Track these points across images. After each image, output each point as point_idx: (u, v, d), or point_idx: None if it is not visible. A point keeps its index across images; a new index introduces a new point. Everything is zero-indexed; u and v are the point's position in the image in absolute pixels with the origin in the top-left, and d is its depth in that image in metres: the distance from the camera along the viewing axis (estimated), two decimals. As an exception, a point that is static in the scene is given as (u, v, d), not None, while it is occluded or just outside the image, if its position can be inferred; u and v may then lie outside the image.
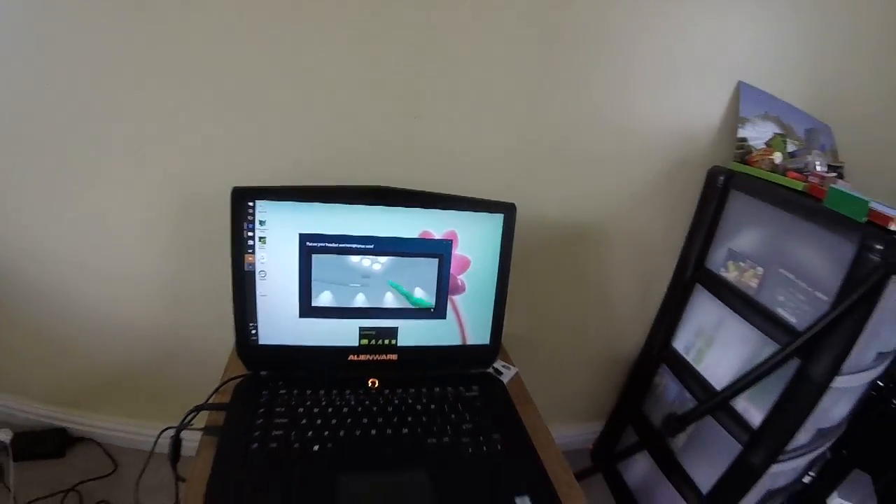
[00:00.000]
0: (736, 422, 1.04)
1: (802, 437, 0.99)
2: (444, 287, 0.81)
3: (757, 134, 1.21)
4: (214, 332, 1.07)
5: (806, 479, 1.33)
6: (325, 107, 0.94)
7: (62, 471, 1.25)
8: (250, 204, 0.72)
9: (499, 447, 0.71)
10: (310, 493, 0.60)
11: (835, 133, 1.32)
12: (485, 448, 0.71)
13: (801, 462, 1.06)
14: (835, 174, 1.15)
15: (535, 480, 0.67)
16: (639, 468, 1.34)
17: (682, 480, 1.18)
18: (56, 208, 1.00)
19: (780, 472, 1.04)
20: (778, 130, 1.25)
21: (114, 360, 1.23)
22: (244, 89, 0.91)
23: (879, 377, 1.07)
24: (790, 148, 1.22)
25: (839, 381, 0.88)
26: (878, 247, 0.77)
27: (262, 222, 0.73)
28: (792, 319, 0.95)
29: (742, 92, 1.17)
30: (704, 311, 1.18)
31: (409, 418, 0.73)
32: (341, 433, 0.69)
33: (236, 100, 0.92)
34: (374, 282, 0.78)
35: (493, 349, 0.87)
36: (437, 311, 0.82)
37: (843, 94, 1.28)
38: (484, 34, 0.94)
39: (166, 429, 0.74)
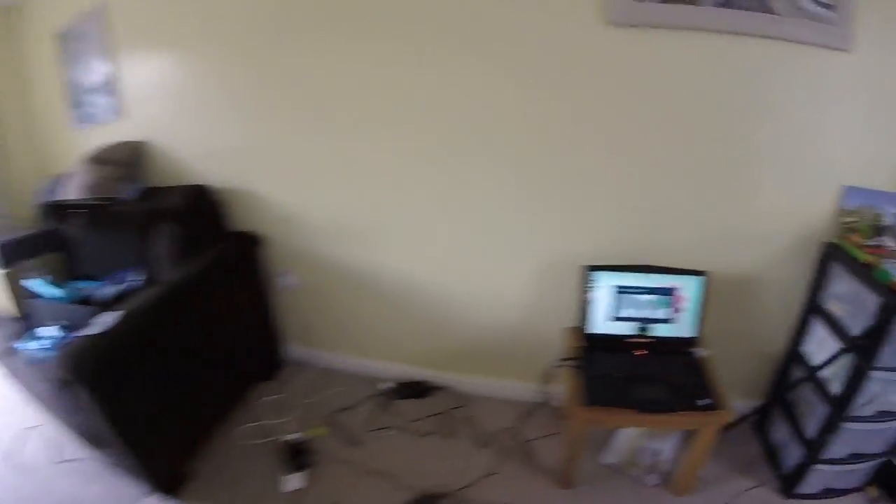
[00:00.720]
0: (824, 392, 1.73)
1: (863, 410, 1.62)
2: (674, 308, 1.77)
3: (857, 218, 1.84)
4: (546, 327, 1.98)
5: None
6: (620, 214, 1.79)
7: (428, 405, 2.05)
8: (591, 273, 1.73)
9: (696, 380, 1.65)
10: (622, 391, 1.57)
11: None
12: (691, 380, 1.64)
13: (876, 428, 1.68)
14: (905, 247, 1.82)
15: (711, 394, 1.59)
16: (778, 430, 2.12)
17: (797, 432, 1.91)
18: (464, 263, 1.94)
19: (863, 435, 1.66)
20: (876, 212, 1.85)
21: (470, 338, 2.01)
22: (578, 198, 1.78)
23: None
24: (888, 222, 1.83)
25: (876, 375, 1.51)
26: (889, 302, 1.42)
27: (595, 280, 1.74)
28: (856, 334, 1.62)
29: (846, 191, 1.81)
30: (817, 329, 1.97)
31: (658, 367, 1.69)
32: (630, 370, 1.67)
33: (574, 204, 1.77)
34: (644, 306, 1.76)
35: (696, 339, 1.80)
36: (671, 320, 1.78)
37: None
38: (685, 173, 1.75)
39: (555, 366, 1.75)
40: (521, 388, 1.95)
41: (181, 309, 1.77)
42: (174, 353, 1.75)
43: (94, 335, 1.59)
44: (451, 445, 1.85)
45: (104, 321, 1.63)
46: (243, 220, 2.10)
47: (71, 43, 2.58)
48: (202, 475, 1.87)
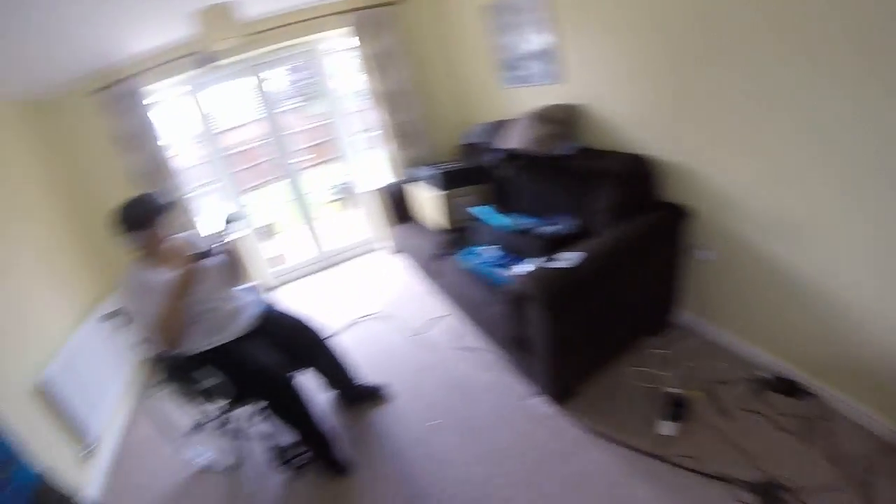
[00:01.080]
0: None
1: None
2: None
3: None
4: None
5: None
6: None
7: (796, 406, 1.98)
8: None
9: None
10: None
11: None
12: None
13: None
14: None
15: None
16: None
17: None
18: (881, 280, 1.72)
19: None
20: None
21: (860, 357, 1.81)
22: None
23: None
24: None
25: None
26: None
27: None
28: None
29: None
30: None
31: None
32: None
33: None
34: None
35: None
36: None
37: None
38: None
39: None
40: (890, 425, 1.87)
41: (619, 260, 2.10)
42: (604, 293, 2.11)
43: (565, 269, 1.99)
44: (804, 450, 1.87)
45: (571, 258, 2.03)
46: (674, 191, 2.33)
47: (502, 15, 3.08)
48: (586, 396, 2.25)
